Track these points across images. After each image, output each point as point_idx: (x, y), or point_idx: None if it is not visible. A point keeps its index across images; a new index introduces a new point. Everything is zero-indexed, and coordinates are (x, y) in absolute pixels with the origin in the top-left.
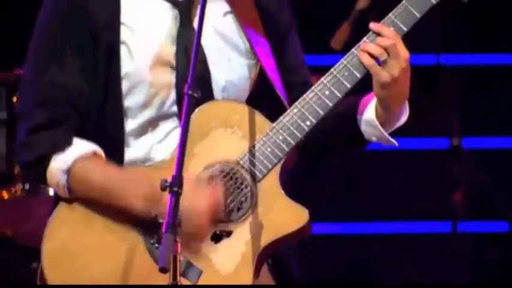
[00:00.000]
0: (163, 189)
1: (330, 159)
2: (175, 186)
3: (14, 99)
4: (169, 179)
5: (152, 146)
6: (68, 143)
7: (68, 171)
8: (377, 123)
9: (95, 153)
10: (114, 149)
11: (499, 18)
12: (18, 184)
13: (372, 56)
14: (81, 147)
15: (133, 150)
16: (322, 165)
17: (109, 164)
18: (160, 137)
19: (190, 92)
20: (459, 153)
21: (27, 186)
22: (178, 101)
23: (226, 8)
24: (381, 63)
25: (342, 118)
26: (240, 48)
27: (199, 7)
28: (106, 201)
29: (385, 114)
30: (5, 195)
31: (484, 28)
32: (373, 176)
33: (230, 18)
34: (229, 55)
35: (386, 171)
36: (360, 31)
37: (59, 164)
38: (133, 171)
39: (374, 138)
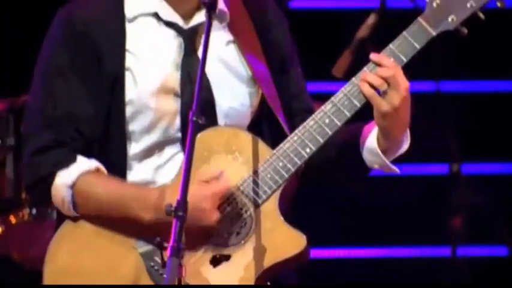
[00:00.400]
0: (168, 213)
1: (331, 185)
2: (179, 210)
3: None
4: (174, 204)
5: (155, 170)
6: (72, 160)
7: (73, 186)
8: (379, 151)
9: (98, 169)
10: (116, 173)
11: (498, 46)
12: (26, 209)
13: (372, 86)
14: (84, 163)
15: (135, 174)
16: (321, 190)
17: (115, 178)
18: (163, 161)
19: (195, 119)
20: (459, 178)
21: (34, 211)
22: (183, 127)
23: (230, 37)
24: (381, 93)
25: (344, 145)
26: (242, 76)
27: (203, 36)
28: (112, 213)
29: (387, 143)
30: (13, 219)
31: (483, 56)
32: (373, 201)
33: (233, 47)
34: (232, 82)
35: (386, 196)
36: (360, 59)
37: (63, 179)
38: (138, 184)
39: (376, 166)
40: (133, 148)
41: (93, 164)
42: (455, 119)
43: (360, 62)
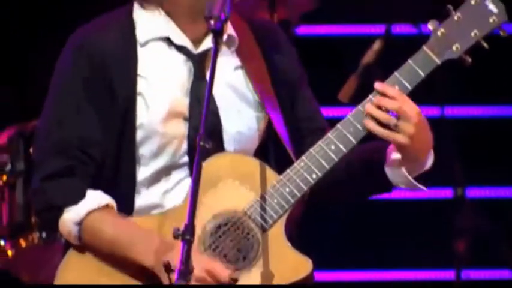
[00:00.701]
0: (175, 237)
1: (343, 204)
2: (187, 234)
3: (32, 150)
4: (181, 227)
5: (163, 194)
6: (81, 195)
7: (80, 223)
8: (404, 171)
9: (107, 206)
10: (125, 196)
11: (501, 71)
12: (35, 232)
13: (380, 123)
14: (93, 200)
15: (144, 198)
16: (326, 213)
17: (120, 216)
18: (171, 185)
19: (202, 143)
20: (463, 202)
21: (44, 234)
22: (190, 152)
23: (237, 62)
24: (392, 127)
25: (369, 164)
26: (250, 100)
27: (210, 61)
28: (116, 253)
29: (411, 164)
30: (23, 243)
31: (487, 81)
32: (377, 223)
33: (241, 72)
34: (240, 107)
35: (390, 219)
36: (366, 84)
37: (71, 215)
38: (144, 224)
39: (402, 185)
40: (142, 172)
41: (102, 201)
42: (459, 143)
43: (365, 87)
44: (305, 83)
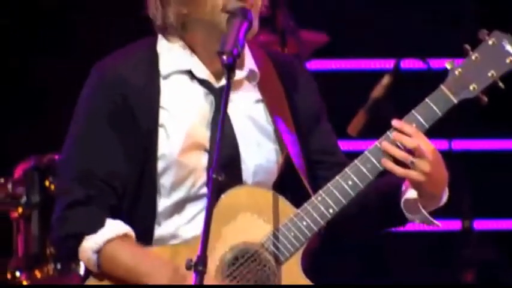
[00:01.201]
0: (188, 268)
1: (368, 235)
2: (199, 265)
3: (47, 183)
4: (194, 258)
5: (182, 225)
6: (101, 224)
7: (98, 251)
8: (421, 208)
9: (125, 235)
10: (145, 226)
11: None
12: (51, 264)
13: (397, 161)
14: (112, 229)
15: (163, 228)
16: (338, 246)
17: (138, 246)
18: (190, 216)
19: (214, 176)
20: (470, 234)
21: (59, 266)
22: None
23: (258, 96)
24: (409, 164)
25: (385, 198)
26: (269, 133)
27: (234, 94)
28: (132, 282)
29: (427, 201)
30: (38, 274)
31: (495, 115)
32: (386, 255)
33: (261, 105)
34: (259, 140)
35: (399, 251)
36: (375, 119)
37: (90, 244)
38: (162, 254)
39: (417, 221)
40: (163, 203)
41: (121, 230)
42: (467, 176)
43: (374, 121)
44: (325, 117)
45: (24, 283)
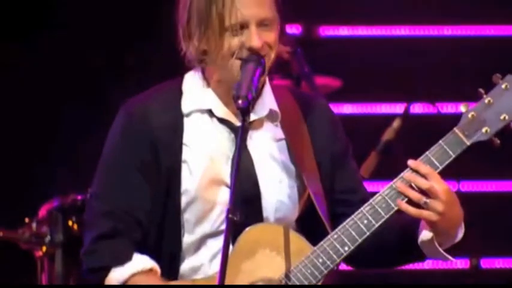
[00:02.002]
0: None
1: (387, 267)
2: None
3: (70, 222)
4: None
5: (207, 259)
6: (128, 257)
7: (124, 283)
8: (437, 245)
9: (150, 270)
10: (170, 261)
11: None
12: None
13: (411, 201)
14: (138, 263)
15: (188, 262)
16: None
17: (162, 281)
18: (215, 250)
19: (230, 216)
20: (477, 272)
21: None
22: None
23: (281, 135)
24: (422, 205)
25: (402, 234)
26: (291, 171)
27: (254, 132)
28: None
29: (442, 238)
30: None
31: (501, 155)
32: None
33: (283, 144)
34: (281, 177)
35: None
36: (386, 161)
37: (116, 276)
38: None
39: (433, 256)
40: (187, 239)
41: (146, 265)
42: (475, 217)
43: (385, 163)
44: (349, 155)
45: None
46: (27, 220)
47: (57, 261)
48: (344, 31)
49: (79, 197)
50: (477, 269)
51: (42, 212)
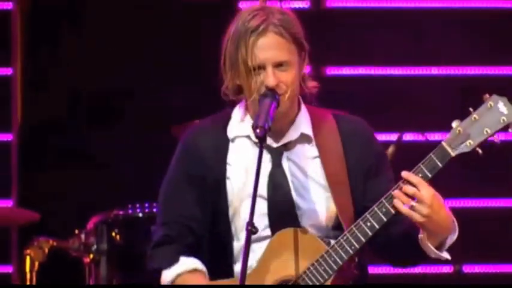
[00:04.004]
0: None
1: (397, 264)
2: None
3: (113, 234)
4: None
5: (253, 261)
6: (175, 260)
7: (172, 283)
8: (427, 242)
9: (195, 270)
10: (225, 265)
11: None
12: None
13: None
14: (183, 264)
15: (239, 265)
16: None
17: (204, 279)
18: (258, 254)
19: (250, 228)
20: (460, 276)
21: None
22: (271, 226)
23: (315, 153)
24: (410, 207)
25: (407, 233)
26: (322, 185)
27: (289, 152)
28: None
29: (434, 239)
30: None
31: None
32: None
33: (317, 161)
34: (312, 189)
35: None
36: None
37: (165, 277)
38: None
39: (433, 255)
40: (236, 244)
41: (190, 265)
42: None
43: None
44: (383, 168)
45: None
46: (77, 232)
47: (101, 267)
48: (346, 71)
49: (120, 212)
50: (460, 273)
51: (90, 225)
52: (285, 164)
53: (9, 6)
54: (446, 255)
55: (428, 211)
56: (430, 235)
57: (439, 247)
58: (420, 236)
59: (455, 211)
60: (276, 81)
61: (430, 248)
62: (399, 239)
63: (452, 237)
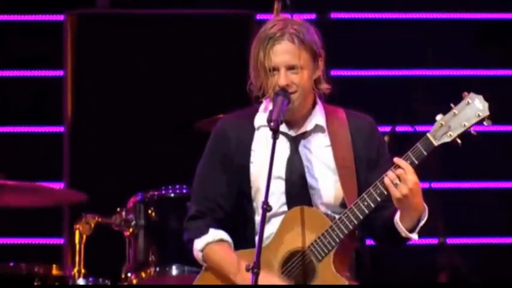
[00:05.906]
0: (247, 270)
1: (381, 243)
2: (255, 268)
3: (149, 211)
4: (251, 264)
5: (270, 232)
6: (205, 231)
7: (202, 251)
8: (399, 224)
9: (221, 240)
10: (247, 236)
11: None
12: (152, 267)
13: (391, 180)
14: (211, 235)
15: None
16: None
17: (228, 249)
18: (275, 227)
19: (265, 206)
20: (444, 247)
21: (157, 269)
22: (288, 203)
23: (328, 143)
24: (395, 185)
25: (388, 220)
26: (332, 170)
27: (304, 141)
28: (220, 274)
29: (406, 217)
30: (143, 275)
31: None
32: (377, 269)
33: (329, 149)
34: (323, 172)
35: (386, 264)
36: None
37: (196, 245)
38: (243, 255)
39: (403, 234)
40: (257, 218)
41: (217, 236)
42: (443, 207)
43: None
44: (385, 159)
45: (134, 281)
46: (118, 209)
47: (140, 239)
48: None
49: (156, 193)
50: (443, 244)
51: (130, 203)
52: (301, 150)
53: (61, 18)
54: (414, 236)
55: (407, 192)
56: (403, 216)
57: (411, 230)
58: (395, 218)
59: (438, 192)
60: (287, 82)
61: (401, 228)
62: (384, 221)
63: (421, 222)
